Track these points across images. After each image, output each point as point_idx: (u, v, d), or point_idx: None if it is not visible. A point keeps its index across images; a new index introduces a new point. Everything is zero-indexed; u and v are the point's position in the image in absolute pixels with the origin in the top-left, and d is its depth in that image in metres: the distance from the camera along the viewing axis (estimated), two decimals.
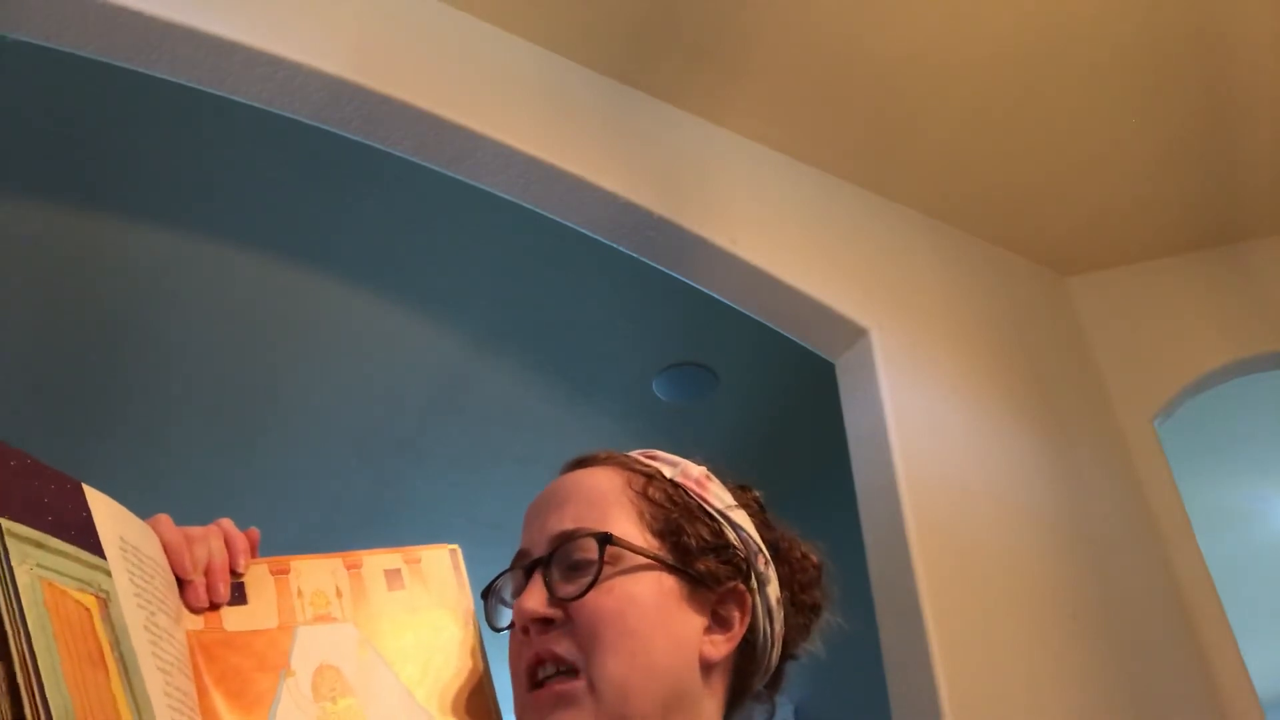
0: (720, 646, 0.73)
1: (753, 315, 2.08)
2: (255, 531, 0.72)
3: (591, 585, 0.69)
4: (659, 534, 0.73)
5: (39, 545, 0.54)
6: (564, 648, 0.69)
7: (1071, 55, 1.99)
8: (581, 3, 1.89)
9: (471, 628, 0.75)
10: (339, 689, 0.67)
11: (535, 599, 0.70)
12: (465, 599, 0.76)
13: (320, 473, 3.17)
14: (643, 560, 0.71)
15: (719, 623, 0.74)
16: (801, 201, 2.16)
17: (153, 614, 0.60)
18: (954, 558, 1.82)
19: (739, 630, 0.74)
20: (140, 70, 1.56)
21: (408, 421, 3.00)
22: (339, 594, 0.71)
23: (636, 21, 1.92)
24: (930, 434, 1.96)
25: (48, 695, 0.49)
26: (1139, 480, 2.18)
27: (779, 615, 0.77)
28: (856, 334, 2.05)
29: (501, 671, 0.75)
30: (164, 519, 0.67)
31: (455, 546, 0.78)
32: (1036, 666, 1.79)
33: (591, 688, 0.67)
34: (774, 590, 0.77)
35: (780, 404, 2.90)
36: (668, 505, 0.75)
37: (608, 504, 0.74)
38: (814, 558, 0.82)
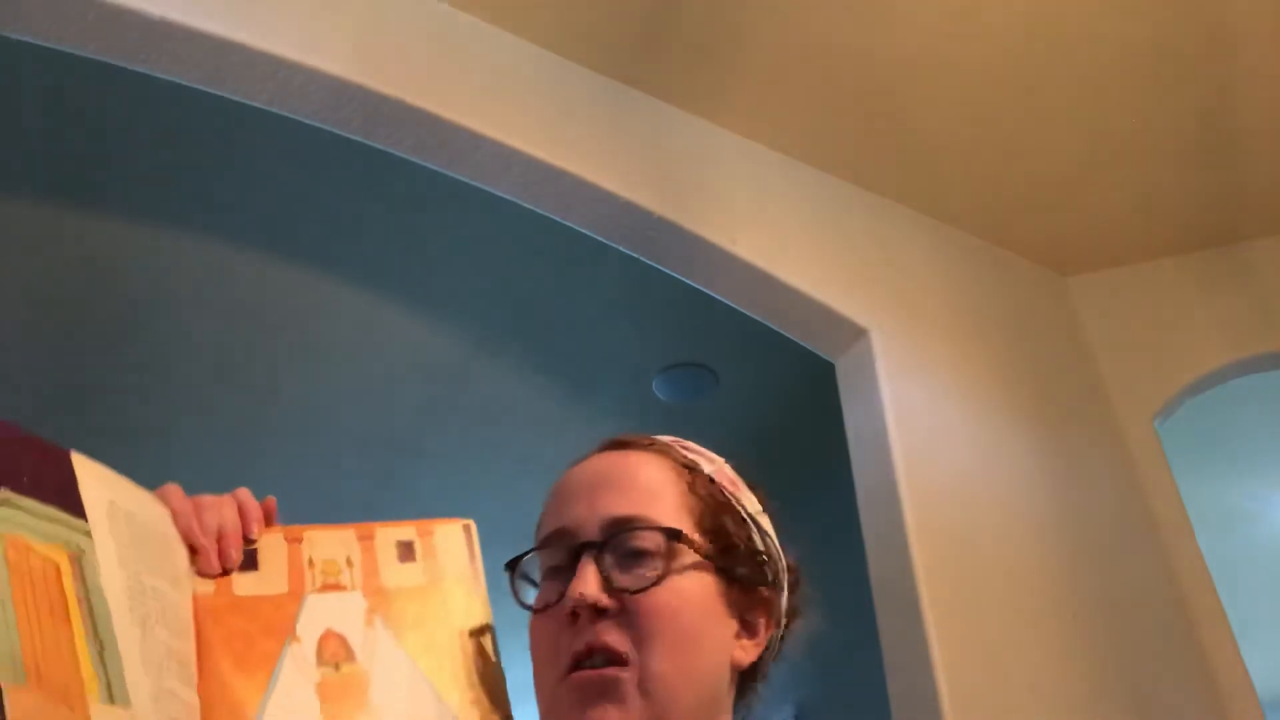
0: (750, 653, 0.72)
1: (753, 315, 2.08)
2: (271, 500, 0.72)
3: (658, 581, 0.67)
4: (707, 532, 0.71)
5: (5, 503, 0.54)
6: (615, 639, 0.66)
7: (1071, 55, 1.99)
8: (581, 3, 1.89)
9: (482, 603, 0.75)
10: (342, 656, 0.67)
11: (593, 585, 0.67)
12: (477, 574, 0.76)
13: (320, 473, 3.16)
14: (697, 558, 0.70)
15: (746, 629, 0.72)
16: (801, 201, 2.16)
17: (138, 574, 0.60)
18: (954, 557, 1.82)
19: (764, 637, 0.73)
20: (140, 70, 1.56)
21: (408, 421, 3.00)
22: (349, 564, 0.72)
23: (636, 21, 1.92)
24: (930, 434, 1.96)
25: None
26: (1139, 480, 2.17)
27: (783, 623, 0.76)
28: (856, 334, 2.05)
29: (509, 648, 0.74)
30: (173, 488, 0.69)
31: (470, 522, 0.77)
32: (1036, 666, 1.78)
33: (640, 683, 0.65)
34: (786, 598, 0.76)
35: (780, 404, 2.90)
36: (711, 503, 0.73)
37: (665, 496, 0.72)
38: (793, 561, 0.79)
